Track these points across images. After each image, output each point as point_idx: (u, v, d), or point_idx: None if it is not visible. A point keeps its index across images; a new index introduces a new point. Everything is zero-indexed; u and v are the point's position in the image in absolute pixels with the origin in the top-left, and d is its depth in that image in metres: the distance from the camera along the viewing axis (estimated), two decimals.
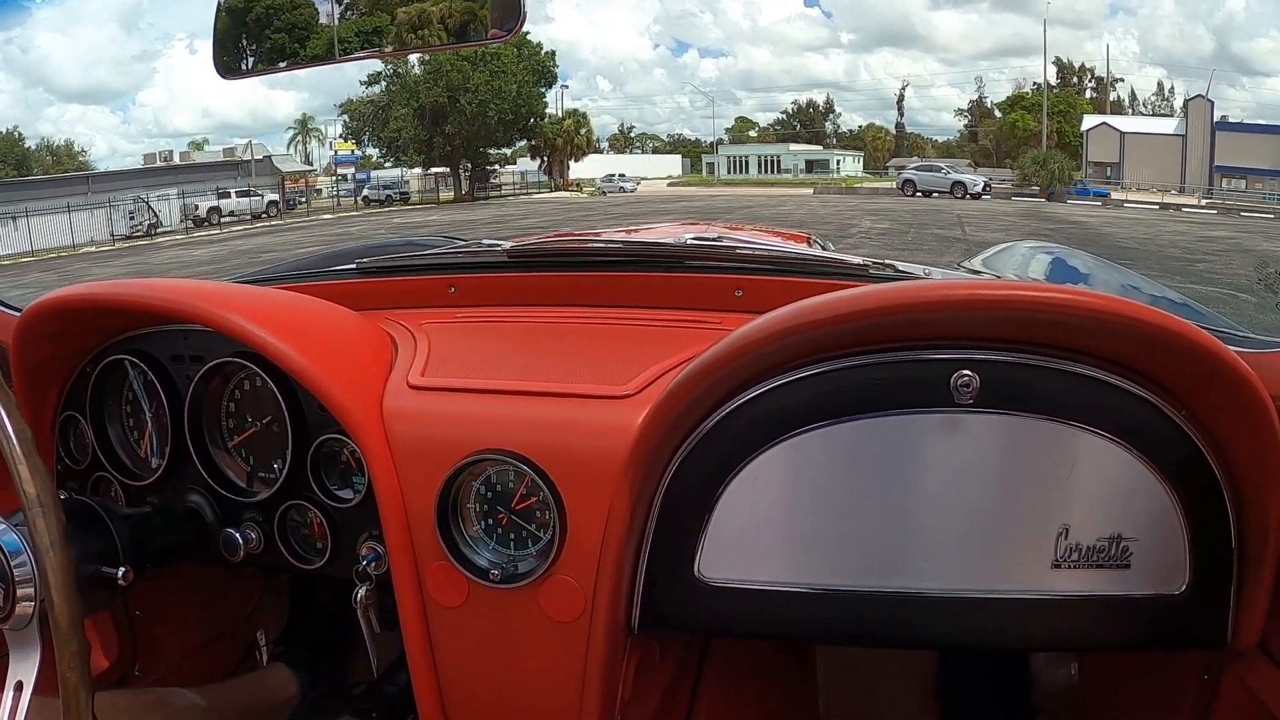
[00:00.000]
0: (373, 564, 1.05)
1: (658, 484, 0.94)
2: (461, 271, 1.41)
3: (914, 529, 0.91)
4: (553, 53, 45.04)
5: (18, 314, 1.22)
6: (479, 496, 0.99)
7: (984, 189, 32.86)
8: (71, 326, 1.17)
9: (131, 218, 30.20)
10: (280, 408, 1.08)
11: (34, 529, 0.84)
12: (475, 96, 40.18)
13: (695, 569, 0.94)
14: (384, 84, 43.21)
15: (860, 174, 48.95)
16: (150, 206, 30.76)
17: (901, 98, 57.92)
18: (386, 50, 1.28)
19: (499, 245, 1.46)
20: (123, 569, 1.00)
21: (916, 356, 0.89)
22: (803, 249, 1.99)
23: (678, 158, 57.96)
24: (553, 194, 43.62)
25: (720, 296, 1.27)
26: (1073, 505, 0.88)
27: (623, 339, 1.23)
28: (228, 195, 33.40)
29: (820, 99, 60.60)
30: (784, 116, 60.27)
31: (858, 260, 1.30)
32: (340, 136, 44.87)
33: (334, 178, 43.14)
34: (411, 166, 43.58)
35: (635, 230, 2.41)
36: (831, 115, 59.23)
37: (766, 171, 48.57)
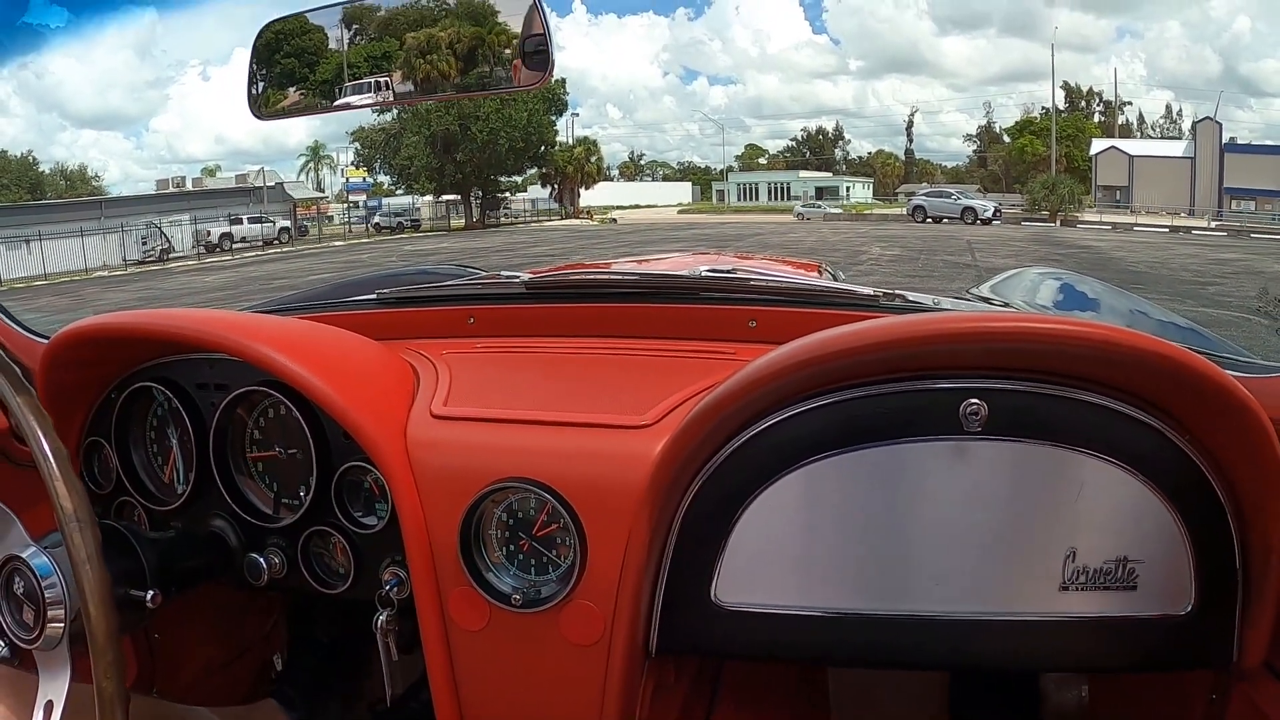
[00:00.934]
0: (395, 589, 1.07)
1: (675, 511, 0.96)
2: (480, 302, 1.44)
3: (925, 553, 0.93)
4: (563, 80, 45.74)
5: (44, 340, 1.26)
6: (501, 523, 1.01)
7: (994, 214, 32.91)
8: (99, 354, 1.20)
9: (144, 243, 30.39)
10: (305, 435, 1.11)
11: (71, 544, 0.86)
12: (486, 125, 40.23)
13: (712, 593, 0.96)
14: (395, 112, 42.30)
15: (870, 200, 48.86)
16: (163, 232, 30.95)
17: (910, 123, 58.22)
18: (430, 95, 1.30)
19: (517, 277, 1.49)
20: (151, 592, 1.03)
21: (926, 386, 0.92)
22: (814, 279, 2.02)
23: (688, 185, 57.89)
24: (563, 221, 43.70)
25: (734, 327, 1.30)
26: (1080, 529, 0.91)
27: (640, 369, 1.26)
28: (240, 221, 33.42)
29: (829, 126, 60.96)
30: (794, 144, 60.58)
31: (868, 291, 1.33)
32: (352, 164, 44.97)
33: (345, 205, 43.22)
34: (423, 194, 43.70)
35: (649, 261, 2.45)
36: (841, 142, 59.41)
37: (776, 198, 48.98)
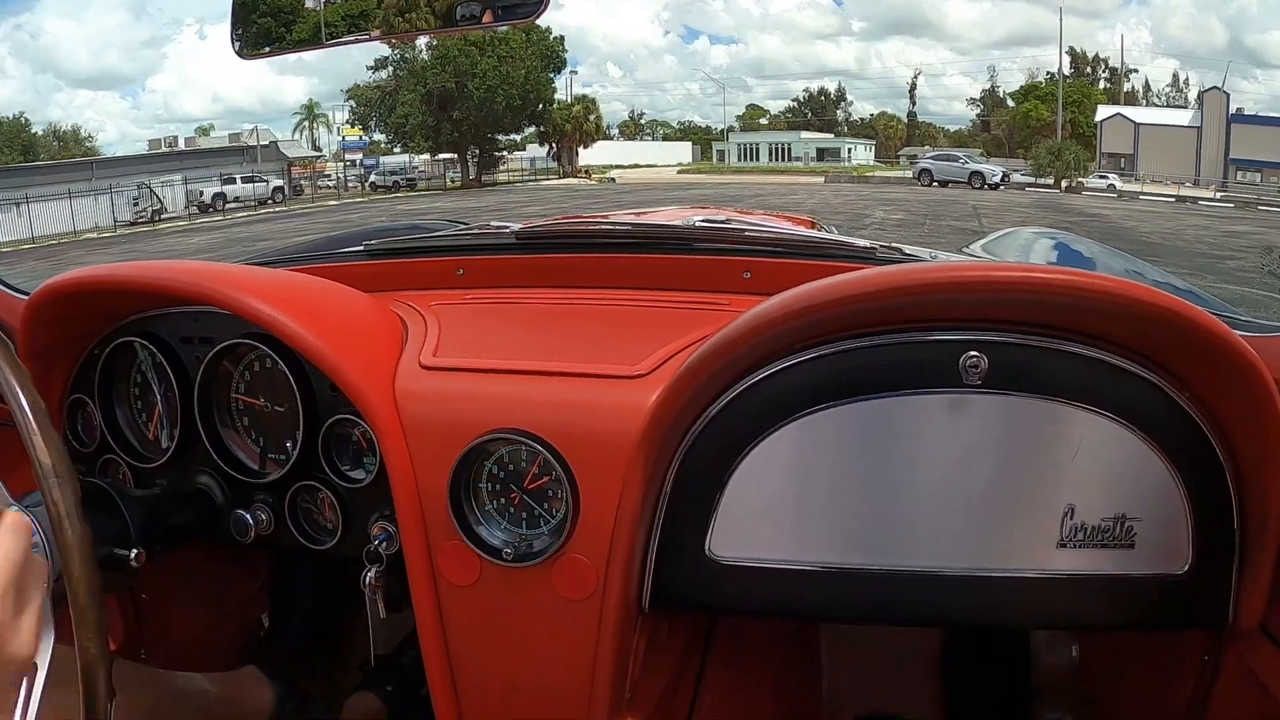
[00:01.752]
0: (384, 544, 1.06)
1: (669, 463, 0.95)
2: (470, 253, 1.42)
3: (922, 508, 0.92)
4: (561, 38, 43.99)
5: (25, 297, 1.23)
6: (491, 476, 1.00)
7: (1002, 179, 32.12)
8: (81, 309, 1.17)
9: (135, 204, 29.66)
10: (291, 389, 1.09)
11: (50, 500, 0.84)
12: (483, 82, 39.15)
13: (706, 547, 0.95)
14: (391, 69, 42.03)
15: (872, 163, 48.14)
16: (154, 192, 30.18)
17: (914, 86, 56.69)
18: (419, 30, 1.26)
19: (507, 227, 1.47)
20: (135, 551, 1.01)
21: (925, 338, 0.90)
22: (810, 232, 2.00)
23: (688, 145, 56.75)
24: (560, 180, 42.53)
25: (729, 278, 1.29)
26: (1078, 485, 0.90)
27: (632, 320, 1.24)
28: (233, 181, 32.74)
29: (832, 87, 59.45)
30: (795, 104, 59.07)
31: (864, 243, 1.31)
32: (347, 122, 43.88)
33: (342, 163, 42.45)
34: (419, 153, 42.49)
35: (643, 214, 2.42)
36: (843, 103, 58.04)
37: (777, 159, 47.59)
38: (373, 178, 40.18)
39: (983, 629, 1.36)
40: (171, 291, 1.11)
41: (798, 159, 47.35)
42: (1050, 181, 34.18)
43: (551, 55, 43.06)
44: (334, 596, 1.53)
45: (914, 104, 56.22)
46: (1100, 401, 0.88)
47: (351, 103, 44.06)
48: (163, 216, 29.72)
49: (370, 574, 1.07)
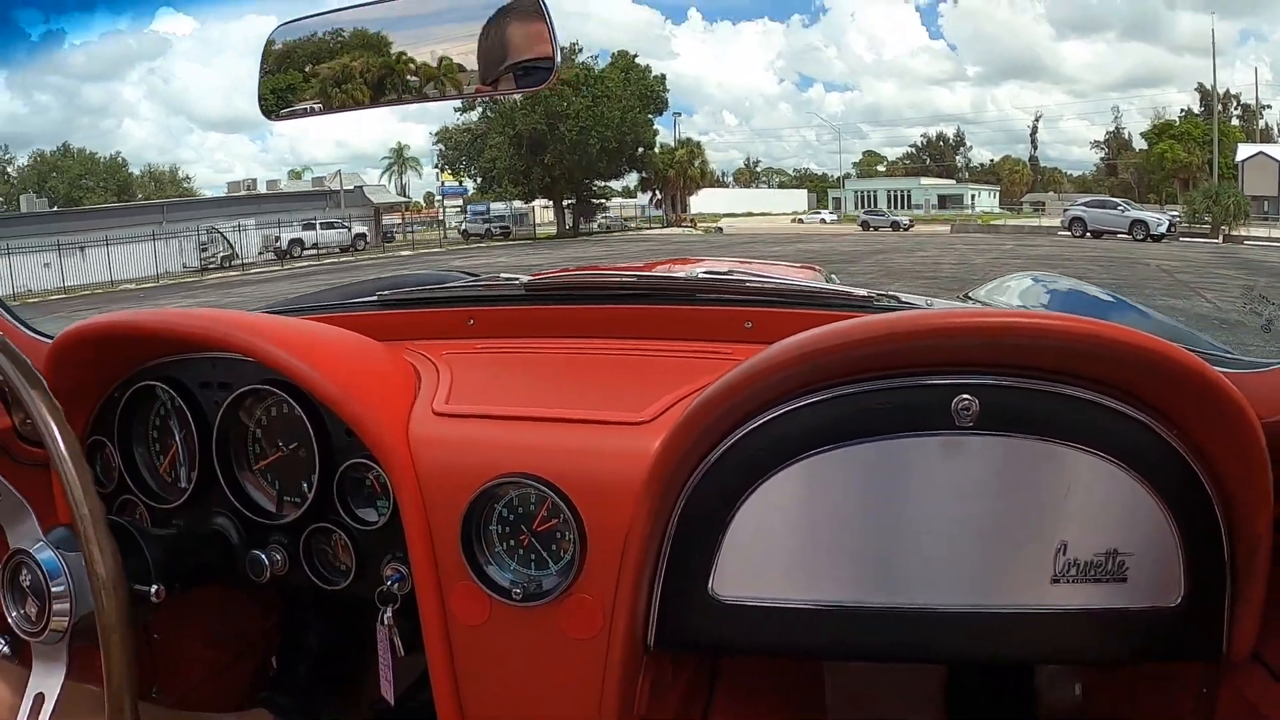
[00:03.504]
0: (396, 584, 1.08)
1: (673, 506, 0.98)
2: (480, 304, 1.46)
3: (918, 546, 0.94)
4: (662, 77, 41.84)
5: (48, 340, 1.27)
6: (501, 518, 1.03)
7: (1169, 229, 27.68)
8: (104, 354, 1.21)
9: (204, 249, 28.96)
10: (308, 433, 1.12)
11: (85, 537, 0.88)
12: (576, 123, 36.96)
13: (709, 587, 0.98)
14: (480, 110, 39.51)
15: (996, 209, 47.00)
16: (224, 237, 29.42)
17: (1035, 130, 55.12)
18: (458, 92, 1.27)
19: (516, 279, 1.51)
20: (155, 587, 1.04)
21: (919, 382, 0.93)
22: (809, 281, 2.07)
23: (803, 193, 55.80)
24: (664, 230, 40.21)
25: (731, 328, 1.33)
26: (1070, 522, 0.92)
27: (637, 369, 1.28)
28: (312, 227, 31.89)
29: (950, 132, 58.33)
30: (913, 150, 58.34)
31: (862, 292, 1.36)
32: (435, 166, 42.04)
33: (441, 208, 40.48)
34: (510, 198, 40.41)
35: (651, 265, 2.49)
36: (961, 149, 56.94)
37: (896, 207, 45.74)
38: (465, 224, 39.22)
39: (985, 666, 1.38)
40: (192, 338, 1.15)
41: (918, 206, 46.07)
42: (1207, 229, 29.44)
43: (651, 95, 40.75)
44: (344, 638, 1.55)
45: (1035, 148, 54.49)
46: (1090, 441, 0.91)
47: (441, 146, 42.80)
48: (234, 263, 29.10)
49: (387, 613, 1.09)
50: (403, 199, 43.90)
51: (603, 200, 42.08)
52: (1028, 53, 67.45)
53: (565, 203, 39.68)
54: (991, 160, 55.58)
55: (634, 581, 0.97)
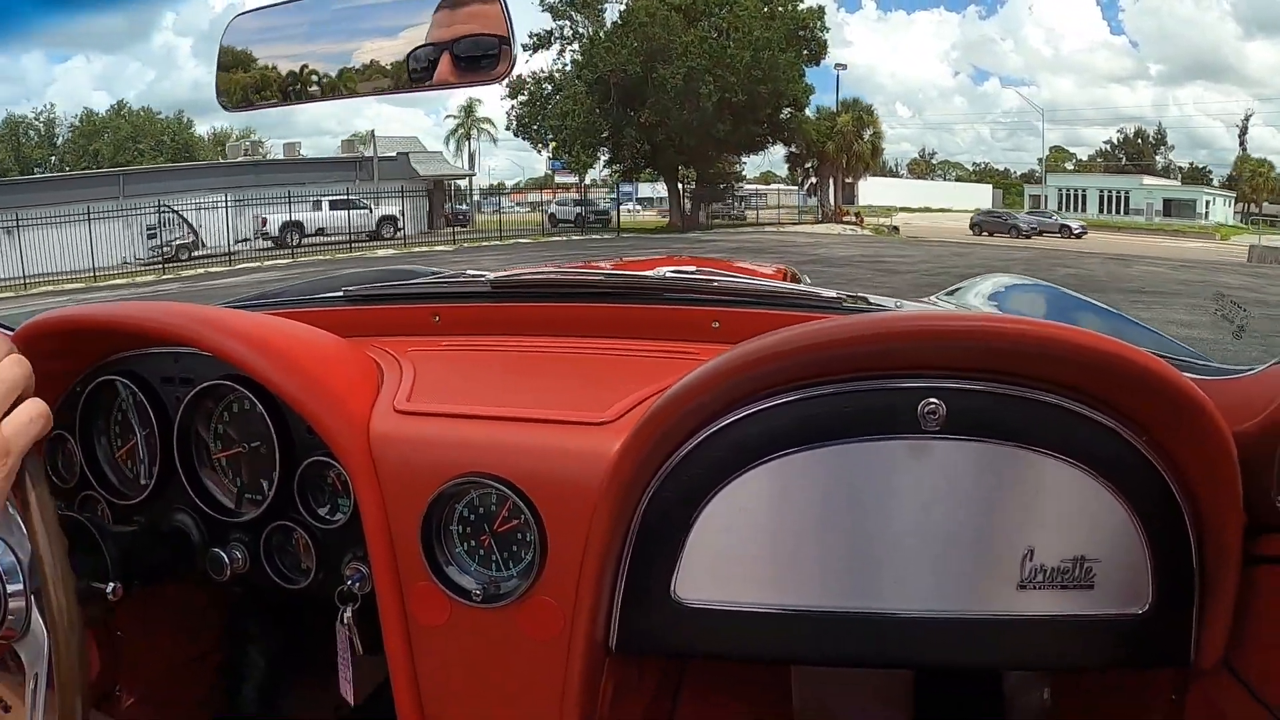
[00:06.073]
0: (357, 584, 1.08)
1: (635, 507, 0.96)
2: (445, 301, 1.45)
3: (884, 551, 0.94)
4: (821, 9, 28.42)
5: (9, 332, 1.25)
6: (462, 518, 1.02)
7: None
8: (65, 347, 1.19)
9: (151, 235, 22.20)
10: (269, 430, 1.11)
11: (35, 533, 0.84)
12: (683, 64, 24.43)
13: (672, 590, 0.97)
14: (557, 45, 27.33)
15: (1231, 223, 36.52)
16: (185, 219, 22.49)
17: (1244, 130, 47.39)
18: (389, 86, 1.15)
19: (482, 276, 1.50)
20: (112, 584, 1.02)
21: (885, 385, 0.92)
22: (778, 282, 2.04)
23: (987, 188, 47.42)
24: (816, 226, 29.12)
25: (697, 328, 1.32)
26: (1037, 528, 0.92)
27: (602, 368, 1.27)
28: (320, 206, 24.41)
29: (1150, 130, 50.12)
30: (1108, 147, 50.27)
31: (831, 293, 1.35)
32: (508, 128, 30.54)
33: (552, 187, 30.75)
34: (587, 166, 28.89)
35: (619, 264, 2.48)
36: (1163, 148, 48.97)
37: (1110, 211, 37.90)
38: (553, 209, 30.03)
39: (953, 671, 1.36)
40: (153, 332, 1.13)
41: (1137, 211, 37.72)
42: None
43: (801, 30, 27.58)
44: (304, 638, 1.53)
45: (1244, 150, 46.75)
46: (1057, 446, 0.90)
47: (516, 101, 28.82)
48: (194, 255, 22.38)
49: (347, 613, 1.08)
50: (466, 171, 34.20)
51: (730, 182, 30.09)
52: (1214, 52, 61.43)
53: (681, 185, 27.84)
54: (1236, 157, 46.02)
55: (594, 584, 0.96)
